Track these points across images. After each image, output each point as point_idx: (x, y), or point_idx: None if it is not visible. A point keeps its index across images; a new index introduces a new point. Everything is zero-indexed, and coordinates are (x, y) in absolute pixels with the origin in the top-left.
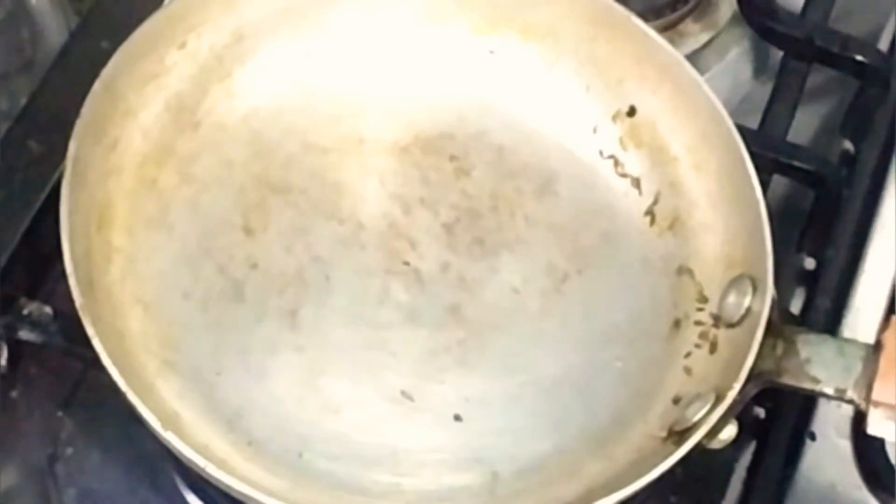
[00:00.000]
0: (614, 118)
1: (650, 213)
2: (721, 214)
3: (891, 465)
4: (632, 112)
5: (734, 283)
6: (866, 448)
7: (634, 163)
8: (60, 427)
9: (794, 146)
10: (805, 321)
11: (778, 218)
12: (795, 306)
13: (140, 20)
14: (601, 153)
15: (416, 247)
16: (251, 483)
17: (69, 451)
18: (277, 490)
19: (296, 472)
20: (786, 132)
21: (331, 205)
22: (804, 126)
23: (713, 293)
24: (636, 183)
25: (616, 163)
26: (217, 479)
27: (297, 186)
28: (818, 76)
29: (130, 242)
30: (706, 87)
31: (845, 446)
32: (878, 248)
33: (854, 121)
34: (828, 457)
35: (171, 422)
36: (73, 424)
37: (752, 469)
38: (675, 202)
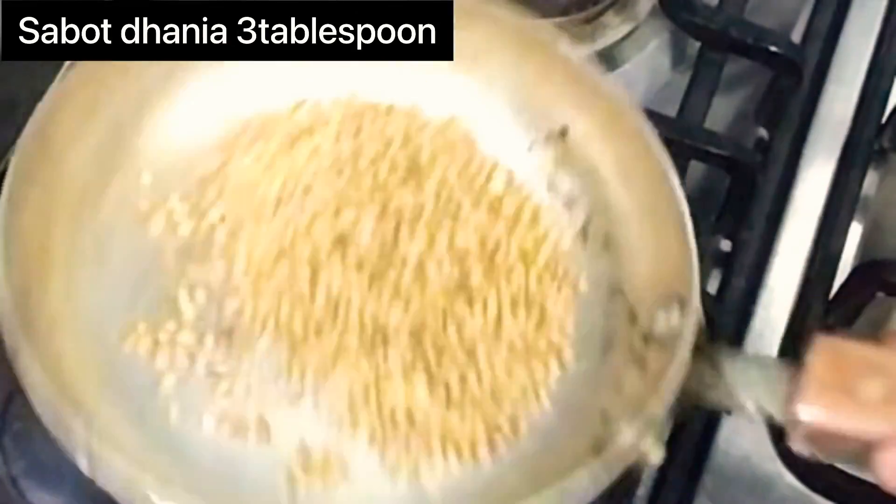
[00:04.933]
0: (547, 140)
1: (583, 233)
2: (650, 234)
3: None
4: (563, 133)
5: (663, 303)
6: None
7: (566, 184)
8: (9, 402)
9: (711, 133)
10: (721, 300)
11: (695, 201)
12: (712, 286)
13: None
14: (534, 174)
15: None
16: None
17: (17, 425)
18: None
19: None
20: (703, 119)
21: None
22: (720, 114)
23: (644, 312)
24: (569, 204)
25: (549, 184)
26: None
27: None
28: (734, 66)
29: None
30: (634, 108)
31: (759, 420)
32: (791, 231)
33: (768, 109)
34: (743, 431)
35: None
36: (21, 399)
37: (671, 442)
38: (605, 223)
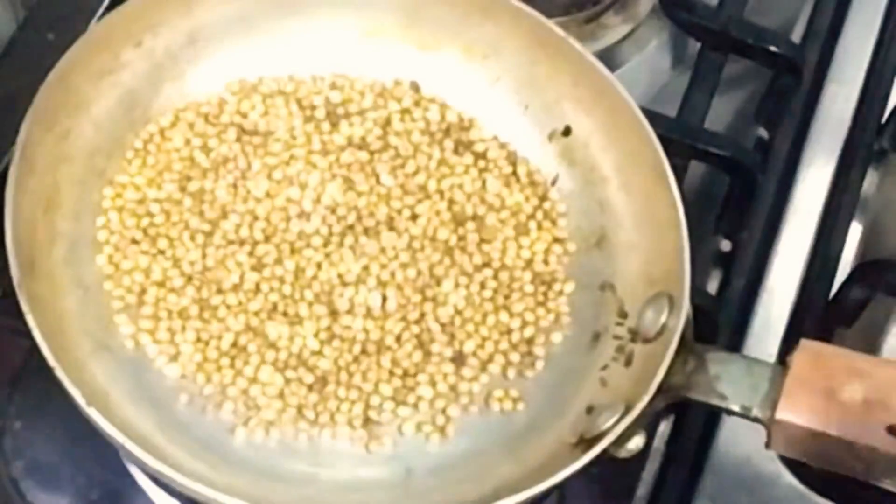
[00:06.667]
0: (550, 137)
1: (578, 229)
2: (645, 234)
3: None
4: (567, 132)
5: (653, 300)
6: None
7: (566, 181)
8: (9, 402)
9: (711, 133)
10: (721, 300)
11: (695, 202)
12: (712, 286)
13: (86, 13)
14: (536, 170)
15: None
16: (171, 463)
17: (17, 424)
18: (197, 472)
19: (217, 457)
20: (703, 120)
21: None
22: (720, 114)
23: (632, 309)
24: (567, 200)
25: (549, 180)
26: (136, 458)
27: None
28: (734, 66)
29: (75, 228)
30: (637, 111)
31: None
32: (791, 231)
33: (768, 109)
34: (743, 430)
35: (99, 399)
36: (21, 399)
37: (671, 442)
38: (602, 221)
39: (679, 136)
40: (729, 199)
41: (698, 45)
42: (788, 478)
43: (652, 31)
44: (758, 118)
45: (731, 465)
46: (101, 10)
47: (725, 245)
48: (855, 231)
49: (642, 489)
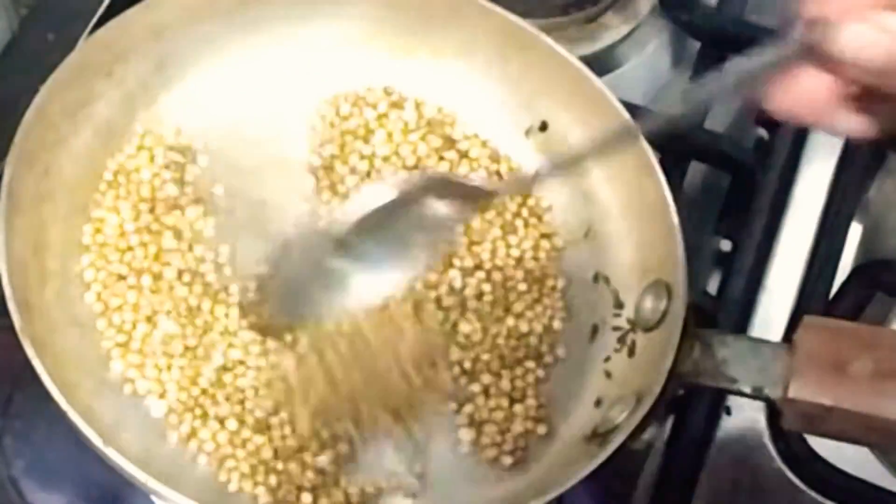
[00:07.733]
0: (527, 133)
1: (565, 223)
2: (633, 222)
3: (801, 437)
4: (543, 127)
5: (649, 288)
6: (778, 422)
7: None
8: (9, 402)
9: (712, 133)
10: (721, 300)
11: (695, 202)
12: (712, 286)
13: (86, 13)
14: (516, 165)
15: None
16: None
17: (17, 424)
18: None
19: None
20: (703, 119)
21: (256, 222)
22: (721, 114)
23: (629, 299)
24: (551, 195)
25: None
26: (158, 493)
27: (223, 207)
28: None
29: (63, 266)
30: (614, 100)
31: (759, 419)
32: (791, 231)
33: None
34: (743, 430)
35: (111, 438)
36: (21, 399)
37: (672, 441)
38: (588, 212)
39: (680, 136)
40: (729, 199)
41: (698, 45)
42: (788, 478)
43: (652, 31)
44: (758, 118)
45: (731, 465)
46: (100, 10)
47: (726, 245)
48: (855, 231)
49: (642, 489)
